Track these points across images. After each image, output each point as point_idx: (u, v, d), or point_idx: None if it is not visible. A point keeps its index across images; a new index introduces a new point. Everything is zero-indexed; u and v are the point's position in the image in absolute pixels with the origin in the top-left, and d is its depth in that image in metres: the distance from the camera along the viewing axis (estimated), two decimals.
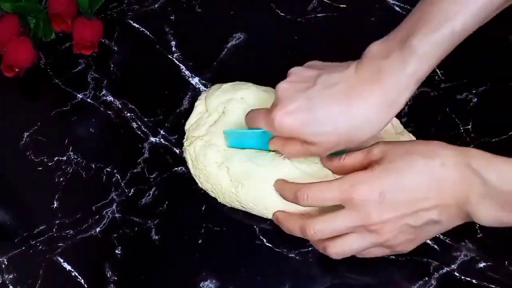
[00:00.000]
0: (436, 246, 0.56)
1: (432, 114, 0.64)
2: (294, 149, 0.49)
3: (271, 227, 0.57)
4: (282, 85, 0.49)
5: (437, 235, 0.56)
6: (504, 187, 0.42)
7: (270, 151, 0.55)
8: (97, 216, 0.60)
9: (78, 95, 0.69)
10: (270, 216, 0.56)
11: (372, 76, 0.45)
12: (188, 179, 0.61)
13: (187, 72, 0.69)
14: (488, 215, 0.43)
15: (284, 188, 0.52)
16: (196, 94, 0.67)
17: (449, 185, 0.44)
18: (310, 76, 0.48)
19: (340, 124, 0.46)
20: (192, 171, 0.59)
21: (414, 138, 0.59)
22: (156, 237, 0.59)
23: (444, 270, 0.55)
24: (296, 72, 0.50)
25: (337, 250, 0.48)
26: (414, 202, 0.44)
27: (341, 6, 0.73)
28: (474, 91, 0.65)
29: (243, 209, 0.57)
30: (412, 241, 0.48)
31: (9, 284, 0.57)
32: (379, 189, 0.45)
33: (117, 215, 0.60)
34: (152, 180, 0.62)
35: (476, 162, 0.43)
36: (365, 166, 0.47)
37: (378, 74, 0.45)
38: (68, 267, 0.58)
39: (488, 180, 0.42)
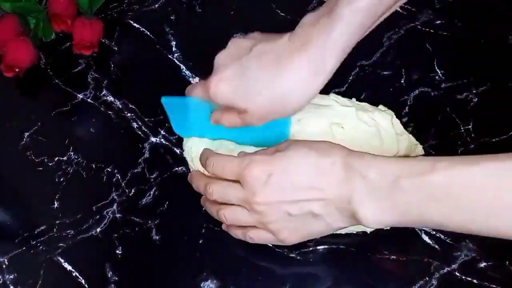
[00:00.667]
0: (436, 246, 0.56)
1: (432, 114, 0.64)
2: (231, 118, 0.51)
3: None
4: (219, 54, 0.51)
5: (438, 235, 0.56)
6: (382, 183, 0.43)
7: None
8: (98, 216, 0.60)
9: (79, 95, 0.69)
10: None
11: (301, 44, 0.46)
12: None
13: (187, 72, 0.69)
14: (370, 214, 0.44)
15: (202, 152, 0.55)
16: None
17: (335, 182, 0.45)
18: (246, 46, 0.49)
19: (270, 91, 0.47)
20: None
21: (414, 139, 0.59)
22: (157, 237, 0.59)
23: (445, 270, 0.55)
24: (234, 42, 0.52)
25: (227, 215, 0.51)
26: (298, 190, 0.46)
27: None
28: (474, 91, 0.65)
29: None
30: (294, 232, 0.49)
31: (10, 284, 0.57)
32: (268, 171, 0.46)
33: (117, 215, 0.60)
34: (152, 180, 0.62)
35: (357, 162, 0.45)
36: None
37: (306, 42, 0.46)
38: (69, 267, 0.58)
39: (368, 177, 0.44)
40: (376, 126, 0.57)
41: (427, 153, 0.62)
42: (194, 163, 0.58)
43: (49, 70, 0.71)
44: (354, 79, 0.65)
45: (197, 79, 0.68)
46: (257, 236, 0.51)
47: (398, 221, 0.44)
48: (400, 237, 0.57)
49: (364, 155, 0.46)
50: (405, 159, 0.44)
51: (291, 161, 0.47)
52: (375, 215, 0.44)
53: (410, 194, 0.42)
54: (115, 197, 0.61)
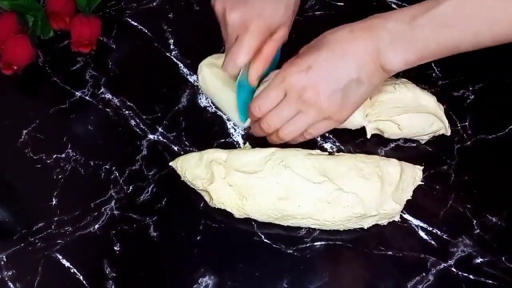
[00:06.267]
0: (433, 242, 0.56)
1: None
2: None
3: (269, 224, 0.58)
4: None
5: (434, 231, 0.57)
6: (401, 27, 0.50)
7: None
8: (96, 213, 0.60)
9: (77, 93, 0.69)
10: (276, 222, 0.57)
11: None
12: None
13: (185, 70, 0.70)
14: (396, 57, 0.50)
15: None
16: (194, 91, 0.68)
17: (360, 45, 0.51)
18: None
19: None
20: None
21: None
22: (155, 233, 0.59)
23: (441, 266, 0.55)
24: None
25: (289, 129, 0.55)
26: (335, 68, 0.52)
27: (339, 4, 0.74)
28: (471, 88, 0.65)
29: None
30: (344, 107, 0.53)
31: (8, 281, 0.57)
32: (306, 64, 0.52)
33: (115, 212, 0.60)
34: (150, 177, 0.62)
35: (376, 20, 0.52)
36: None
37: None
38: (67, 264, 0.58)
39: (389, 26, 0.50)
40: None
41: (424, 150, 0.62)
42: (187, 177, 0.59)
43: (47, 68, 0.72)
44: None
45: (195, 77, 0.68)
46: (317, 130, 0.56)
47: (419, 57, 0.50)
48: (397, 233, 0.57)
49: (378, 14, 0.52)
50: (416, 4, 0.50)
51: (319, 49, 0.52)
52: (400, 57, 0.50)
53: (426, 27, 0.49)
54: (113, 194, 0.62)
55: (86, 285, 0.57)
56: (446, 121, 0.60)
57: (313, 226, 0.57)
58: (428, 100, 0.60)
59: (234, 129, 0.65)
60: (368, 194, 0.55)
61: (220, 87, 0.63)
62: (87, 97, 0.69)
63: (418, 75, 0.66)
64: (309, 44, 0.55)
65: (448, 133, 0.61)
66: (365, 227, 0.57)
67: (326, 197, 0.55)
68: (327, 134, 0.63)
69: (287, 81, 0.53)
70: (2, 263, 0.59)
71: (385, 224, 0.57)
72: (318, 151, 0.59)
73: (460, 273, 0.55)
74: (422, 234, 0.57)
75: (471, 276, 0.55)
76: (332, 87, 0.52)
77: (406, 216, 0.58)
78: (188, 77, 0.69)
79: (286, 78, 0.53)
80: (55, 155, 0.65)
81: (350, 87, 0.52)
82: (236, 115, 0.62)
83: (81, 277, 0.57)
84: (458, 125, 0.63)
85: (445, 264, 0.55)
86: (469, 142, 0.62)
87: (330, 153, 0.59)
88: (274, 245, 0.57)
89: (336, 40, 0.52)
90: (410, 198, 0.57)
